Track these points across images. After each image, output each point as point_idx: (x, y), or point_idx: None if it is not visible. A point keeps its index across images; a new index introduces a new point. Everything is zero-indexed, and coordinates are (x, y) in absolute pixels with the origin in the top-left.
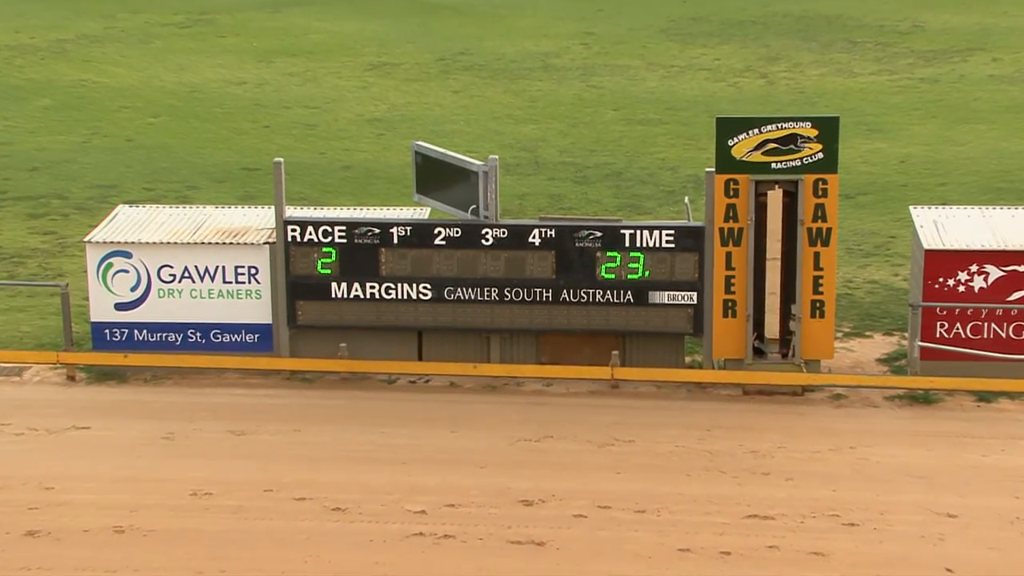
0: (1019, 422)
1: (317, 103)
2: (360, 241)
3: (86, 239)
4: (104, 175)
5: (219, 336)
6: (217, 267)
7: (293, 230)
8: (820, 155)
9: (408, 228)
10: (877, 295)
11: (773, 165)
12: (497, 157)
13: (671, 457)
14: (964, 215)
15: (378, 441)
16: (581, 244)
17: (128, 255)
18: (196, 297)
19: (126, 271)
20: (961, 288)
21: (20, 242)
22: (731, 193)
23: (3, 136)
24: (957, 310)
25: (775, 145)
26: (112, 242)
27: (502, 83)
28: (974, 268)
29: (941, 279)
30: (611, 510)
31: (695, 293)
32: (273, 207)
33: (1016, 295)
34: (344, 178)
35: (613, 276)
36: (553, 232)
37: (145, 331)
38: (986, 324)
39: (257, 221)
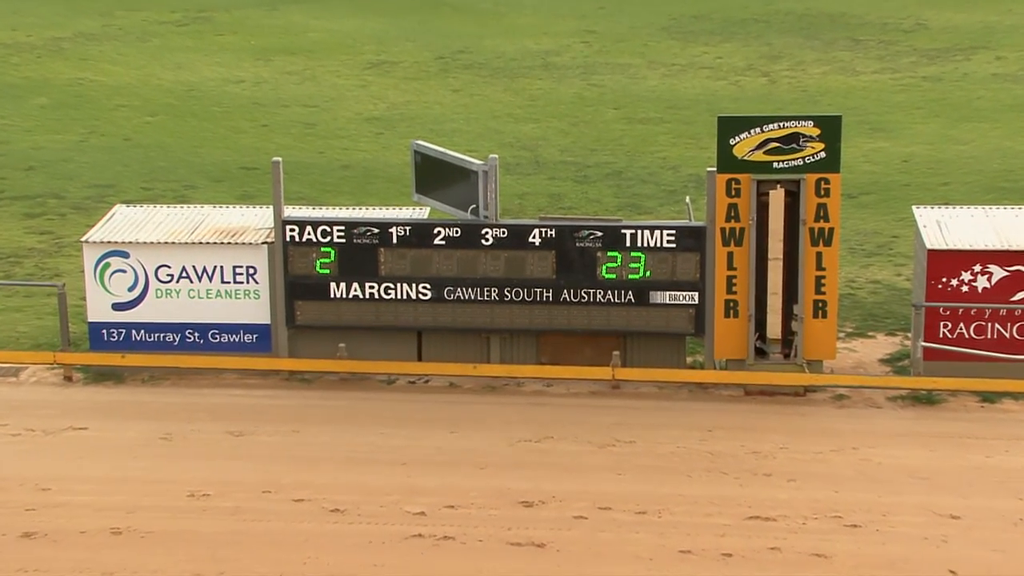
0: (1023, 423)
1: (316, 102)
2: (359, 241)
3: (83, 239)
4: (101, 174)
5: (217, 336)
6: (215, 267)
7: (292, 230)
8: (822, 154)
9: (407, 228)
10: (880, 295)
11: (775, 164)
12: (497, 156)
13: (672, 458)
14: (967, 215)
15: (377, 442)
16: (582, 244)
17: (125, 255)
18: (194, 297)
19: (123, 271)
20: (964, 288)
21: (17, 242)
22: (733, 192)
23: None
24: (960, 310)
25: (777, 144)
26: (109, 242)
27: (502, 81)
28: (977, 268)
29: (944, 279)
30: (612, 511)
31: (696, 293)
32: (271, 207)
33: (1020, 295)
34: (343, 177)
35: (614, 276)
36: (553, 232)
37: (143, 331)
38: (989, 324)
39: (255, 221)
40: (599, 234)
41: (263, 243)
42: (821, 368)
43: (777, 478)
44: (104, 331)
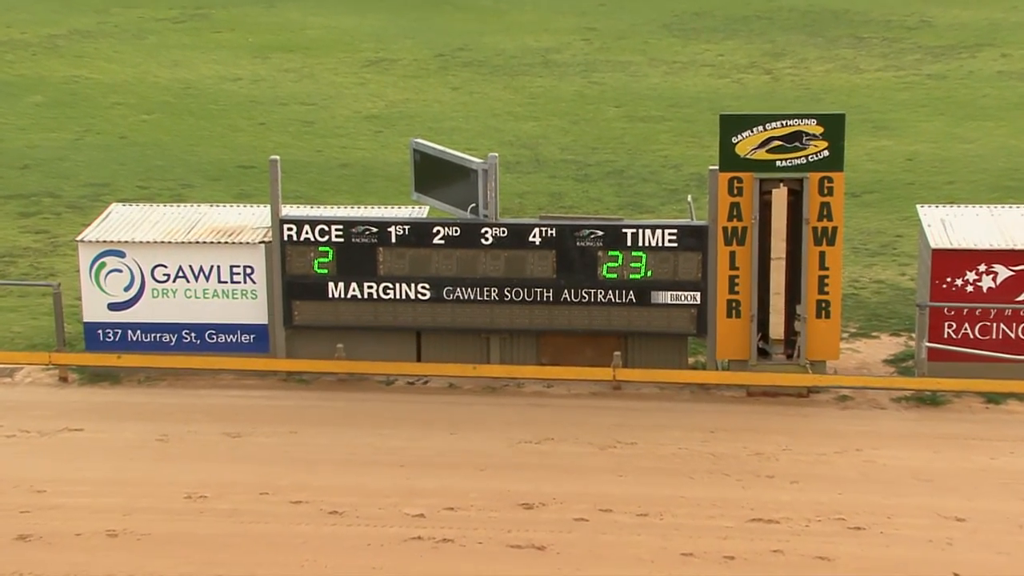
0: None
1: (314, 100)
2: (357, 240)
3: (79, 238)
4: (97, 173)
5: (214, 337)
6: (212, 267)
7: (289, 229)
8: (825, 153)
9: (406, 227)
10: (884, 295)
11: (778, 163)
12: (497, 155)
13: (674, 460)
14: (972, 214)
15: (376, 443)
16: (582, 243)
17: (121, 254)
18: (191, 297)
19: (119, 271)
20: (969, 288)
21: (11, 241)
22: (735, 191)
23: None
24: (965, 310)
25: (780, 143)
26: (105, 241)
27: (502, 79)
28: (982, 268)
29: (949, 279)
30: (613, 513)
31: (698, 293)
32: (269, 206)
33: None
34: (341, 176)
35: (615, 276)
36: (554, 231)
37: (139, 331)
38: (995, 324)
39: (253, 220)
40: (600, 233)
41: (260, 242)
42: (824, 369)
43: (780, 480)
44: (100, 331)
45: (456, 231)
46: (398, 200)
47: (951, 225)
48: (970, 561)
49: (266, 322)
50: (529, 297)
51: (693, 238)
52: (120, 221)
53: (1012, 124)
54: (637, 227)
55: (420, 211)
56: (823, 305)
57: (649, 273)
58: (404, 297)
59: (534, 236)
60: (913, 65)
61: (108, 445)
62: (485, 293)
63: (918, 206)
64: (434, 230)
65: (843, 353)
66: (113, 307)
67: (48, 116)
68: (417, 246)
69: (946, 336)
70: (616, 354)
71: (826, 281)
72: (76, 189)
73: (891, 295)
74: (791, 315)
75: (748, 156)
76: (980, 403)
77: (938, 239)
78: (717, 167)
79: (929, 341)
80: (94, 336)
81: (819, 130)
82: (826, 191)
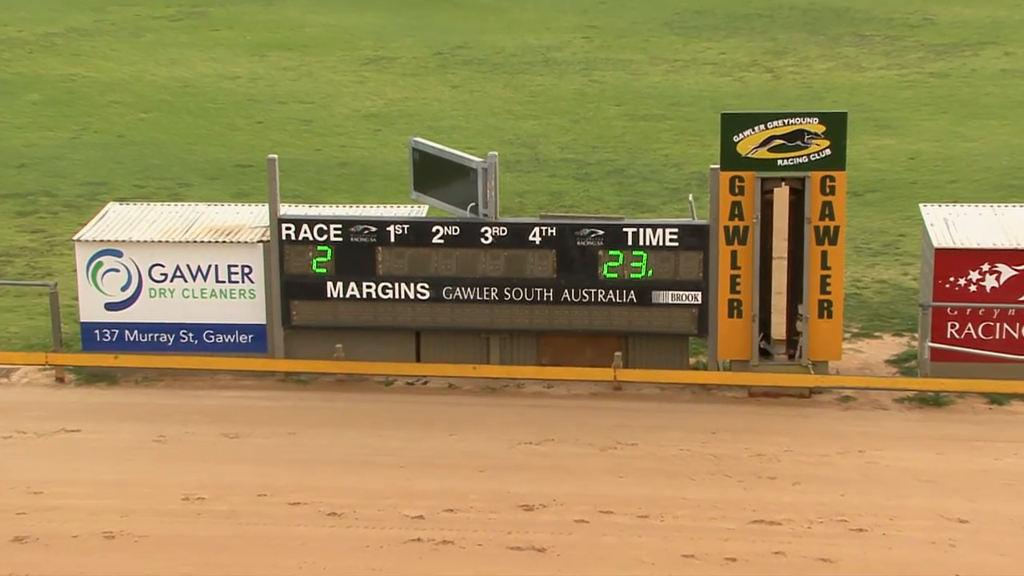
0: None
1: (312, 98)
2: (356, 239)
3: (75, 237)
4: (94, 172)
5: (212, 337)
6: (210, 266)
7: (288, 228)
8: (827, 152)
9: (405, 226)
10: (886, 295)
11: (779, 162)
12: (496, 153)
13: (675, 461)
14: (975, 213)
15: (375, 444)
16: (583, 243)
17: (119, 254)
18: (188, 297)
19: (116, 270)
20: (972, 288)
21: (8, 240)
22: (736, 190)
23: None
24: (968, 310)
25: (781, 141)
26: (102, 240)
27: (502, 78)
28: (986, 267)
29: (952, 278)
30: (613, 515)
31: (699, 293)
32: (267, 205)
33: None
34: (340, 175)
35: (615, 275)
36: (554, 230)
37: (136, 332)
38: (998, 324)
39: (251, 219)
40: (600, 233)
41: (259, 242)
42: (826, 369)
43: (782, 481)
44: (97, 331)
45: (455, 230)
46: (397, 199)
47: (954, 224)
48: (973, 563)
49: (264, 322)
50: (529, 297)
51: (694, 237)
52: (117, 220)
53: (1015, 123)
54: (638, 226)
55: (419, 210)
56: (825, 305)
57: (650, 273)
58: (403, 297)
59: (534, 235)
60: (916, 63)
61: (105, 446)
62: (485, 293)
63: (921, 205)
64: (433, 229)
65: (845, 353)
66: (110, 307)
67: (45, 115)
68: (416, 245)
69: (949, 336)
70: (617, 354)
71: (828, 281)
72: (73, 188)
73: (894, 295)
74: (793, 315)
75: (750, 155)
76: (983, 404)
77: (941, 238)
78: (718, 166)
79: (932, 341)
80: (91, 336)
81: (821, 129)
82: (828, 190)
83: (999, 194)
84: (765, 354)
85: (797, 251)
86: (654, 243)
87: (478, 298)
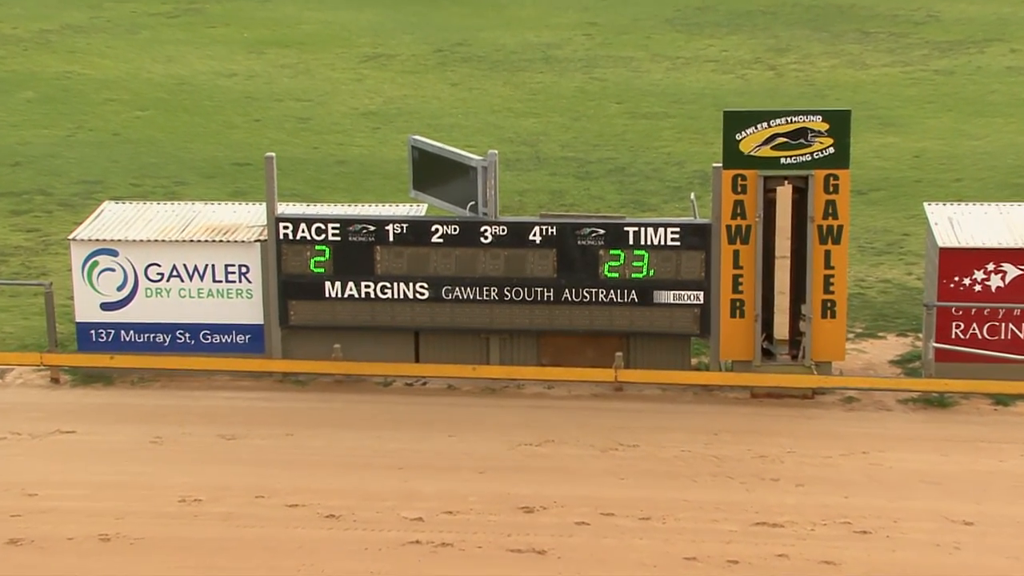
0: None
1: (310, 96)
2: (355, 239)
3: (71, 236)
4: (89, 170)
5: (209, 337)
6: (206, 266)
7: (285, 227)
8: (831, 150)
9: (404, 225)
10: (890, 295)
11: (782, 160)
12: (496, 152)
13: (677, 462)
14: (980, 212)
15: (373, 446)
16: (583, 242)
17: (114, 253)
18: (185, 297)
19: (112, 270)
20: (977, 287)
21: (2, 239)
22: (739, 189)
23: None
24: (973, 310)
25: (784, 139)
26: (98, 240)
27: (502, 75)
28: (991, 267)
29: (956, 278)
30: (614, 517)
31: (701, 292)
32: (264, 204)
33: None
34: (338, 174)
35: (616, 275)
36: (554, 230)
37: (132, 332)
38: (1003, 324)
39: (248, 218)
40: (601, 232)
41: (256, 241)
42: (830, 370)
43: (785, 483)
44: (92, 332)
45: (455, 230)
46: (396, 198)
47: (959, 223)
48: (978, 565)
49: (262, 322)
50: (529, 297)
51: (696, 237)
52: (113, 219)
53: (1021, 120)
54: (639, 225)
55: (418, 209)
56: (828, 305)
57: (651, 272)
58: (402, 297)
59: (534, 235)
60: (920, 60)
61: (101, 447)
62: (484, 293)
63: (925, 204)
64: (433, 228)
65: (849, 354)
66: (106, 307)
67: (40, 112)
68: (415, 245)
69: (954, 336)
70: (618, 355)
71: (831, 280)
72: (68, 187)
73: (898, 295)
74: (796, 315)
75: (752, 153)
76: (988, 404)
77: (945, 237)
78: (721, 164)
79: (936, 341)
80: (86, 336)
81: (824, 127)
82: (831, 189)
83: (1004, 193)
84: (768, 354)
85: (800, 250)
86: (655, 242)
87: (478, 298)
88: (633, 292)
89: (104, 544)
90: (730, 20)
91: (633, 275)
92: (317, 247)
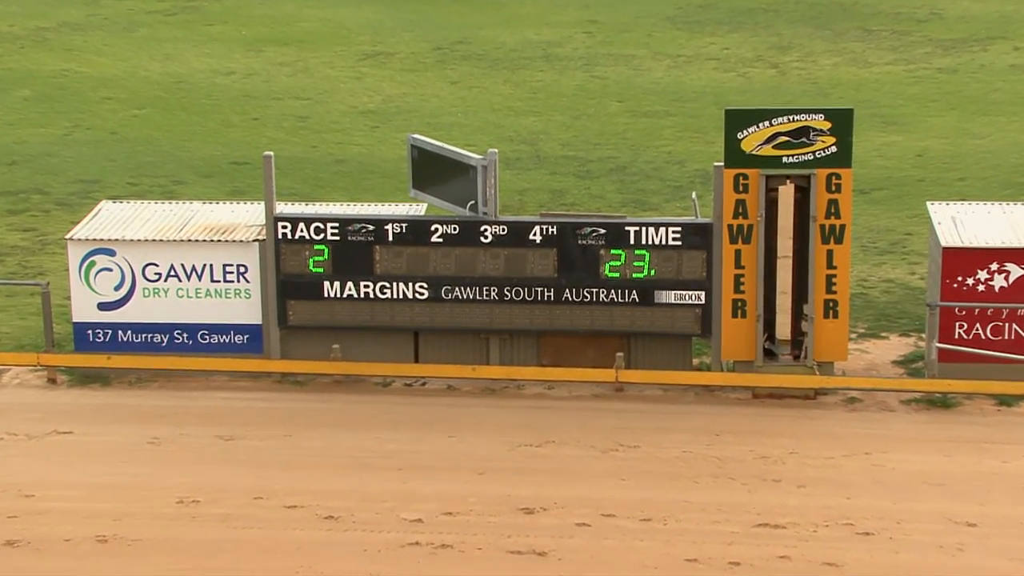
0: None
1: (309, 94)
2: (354, 238)
3: (68, 236)
4: (86, 169)
5: (207, 337)
6: (204, 265)
7: (284, 227)
8: (833, 148)
9: (404, 225)
10: (893, 294)
11: (784, 159)
12: (496, 151)
13: (678, 463)
14: (984, 211)
15: (372, 447)
16: (584, 241)
17: (112, 253)
18: (183, 297)
19: (109, 269)
20: (981, 287)
21: None
22: (740, 188)
23: None
24: (977, 310)
25: (786, 138)
26: (95, 239)
27: (502, 73)
28: (994, 266)
29: (960, 278)
30: (615, 518)
31: (703, 292)
32: (263, 203)
33: None
34: (337, 173)
35: (617, 275)
36: (555, 229)
37: (129, 332)
38: (1007, 325)
39: (246, 217)
40: (602, 231)
41: (254, 241)
42: (832, 370)
43: (787, 484)
44: (89, 332)
45: (455, 229)
46: (395, 197)
47: (962, 223)
48: (982, 567)
49: (260, 322)
50: (529, 297)
51: (697, 236)
52: (110, 219)
53: None
54: (640, 225)
55: (418, 209)
56: (831, 305)
57: (652, 272)
58: (401, 297)
59: (535, 234)
60: (923, 58)
61: (98, 448)
62: (484, 292)
63: (928, 203)
64: (432, 228)
65: (851, 354)
66: (103, 307)
67: (36, 111)
68: (415, 244)
69: (957, 336)
70: (619, 355)
71: (834, 280)
72: (65, 186)
73: (901, 294)
74: (798, 315)
75: (754, 152)
76: (992, 405)
77: (949, 237)
78: (722, 163)
79: (939, 342)
80: (83, 337)
81: (827, 125)
82: (834, 188)
83: (1008, 192)
84: (770, 355)
85: (802, 250)
86: (657, 242)
87: (477, 298)
88: (634, 292)
89: (101, 545)
90: (732, 18)
91: (634, 275)
92: (316, 247)
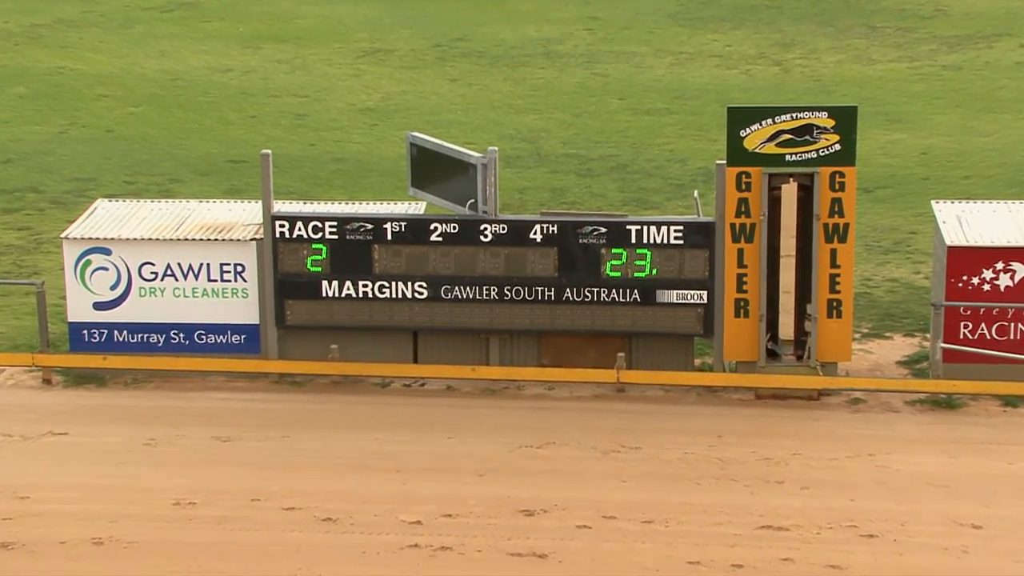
0: None
1: (307, 92)
2: (352, 237)
3: (63, 235)
4: (82, 167)
5: (203, 337)
6: (201, 265)
7: (281, 226)
8: (837, 147)
9: (403, 224)
10: (897, 294)
11: (787, 157)
12: (496, 149)
13: (680, 465)
14: (989, 210)
15: (371, 448)
16: (585, 240)
17: (107, 252)
18: (179, 296)
19: (105, 269)
20: (986, 287)
21: None
22: (743, 187)
23: None
24: (982, 310)
25: (790, 136)
26: (91, 238)
27: (502, 71)
28: (1000, 266)
29: (965, 277)
30: (616, 520)
31: (705, 292)
32: (260, 201)
33: None
34: (335, 171)
35: (618, 274)
36: (555, 228)
37: (125, 332)
38: (1012, 324)
39: (243, 216)
40: (603, 230)
41: (252, 240)
42: (836, 371)
43: (790, 486)
44: (85, 332)
45: (454, 228)
46: (394, 196)
47: (967, 221)
48: (987, 570)
49: (257, 322)
50: (530, 296)
51: (700, 235)
52: (106, 217)
53: None
54: (642, 224)
55: (417, 207)
56: (834, 304)
57: (654, 271)
58: (400, 296)
59: (535, 233)
60: (928, 56)
61: (94, 450)
62: (484, 292)
63: (933, 202)
64: (431, 227)
65: (855, 354)
66: (99, 306)
67: (31, 108)
68: (414, 243)
69: (962, 336)
70: (620, 355)
71: (837, 279)
72: (60, 184)
73: (905, 294)
74: (801, 315)
75: (757, 150)
76: (997, 406)
77: (954, 236)
78: (724, 161)
79: (944, 342)
80: (79, 337)
81: (830, 123)
82: (837, 186)
83: (1013, 190)
84: (772, 355)
85: (806, 249)
86: (658, 241)
87: (477, 297)
88: (635, 291)
89: (97, 548)
90: (734, 14)
91: (635, 274)
92: (314, 246)
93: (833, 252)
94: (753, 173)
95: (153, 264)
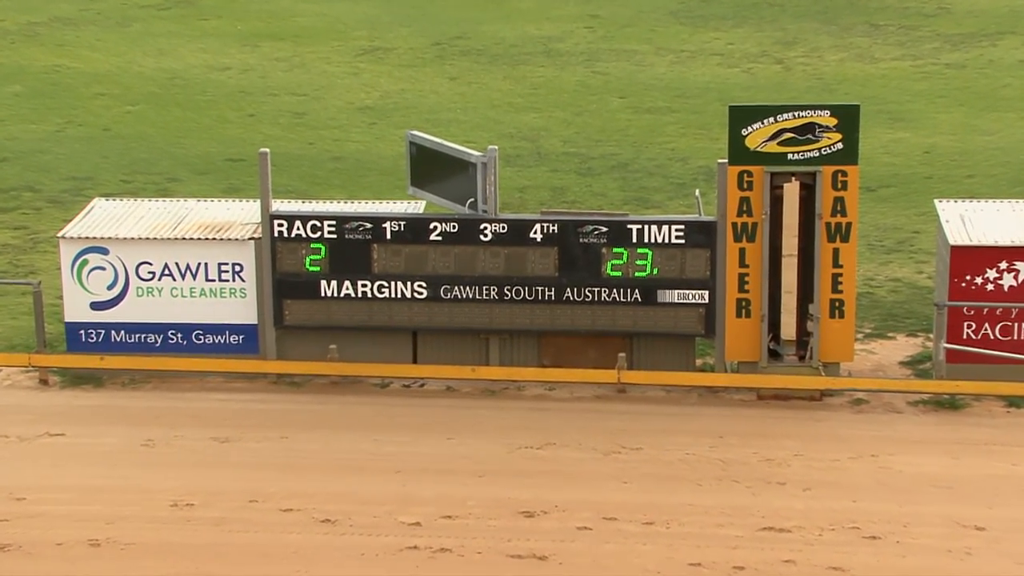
0: None
1: (305, 90)
2: (351, 237)
3: (60, 234)
4: (79, 166)
5: (201, 337)
6: (199, 264)
7: (280, 225)
8: (839, 145)
9: (402, 223)
10: (900, 294)
11: (789, 156)
12: (496, 147)
13: (681, 466)
14: (993, 209)
15: (370, 449)
16: (585, 240)
17: (105, 251)
18: (177, 296)
19: (102, 268)
20: (990, 286)
21: None
22: (745, 186)
23: None
24: (985, 310)
25: (791, 135)
26: (88, 237)
27: (502, 69)
28: (1003, 265)
29: (968, 277)
30: (617, 522)
31: (706, 292)
32: (259, 200)
33: None
34: (334, 170)
35: (619, 274)
36: (556, 227)
37: (123, 332)
38: (1016, 325)
39: (242, 215)
40: (604, 229)
41: (250, 239)
42: (838, 371)
43: (792, 487)
44: (82, 332)
45: (454, 227)
46: (393, 195)
47: (970, 221)
48: (990, 572)
49: (255, 322)
50: (530, 296)
51: (701, 234)
52: (103, 217)
53: None
54: (643, 223)
55: (416, 206)
56: (837, 304)
57: (655, 271)
58: (400, 296)
59: (535, 232)
60: (931, 54)
61: (91, 451)
62: (484, 292)
63: (936, 201)
64: (431, 226)
65: (858, 354)
66: (96, 306)
67: (28, 107)
68: (413, 243)
69: (965, 337)
70: (621, 355)
71: (840, 279)
72: (57, 183)
73: (908, 294)
74: (803, 315)
75: (758, 149)
76: (1001, 407)
77: (957, 235)
78: (726, 160)
79: (947, 342)
80: (76, 337)
81: (833, 122)
82: (840, 185)
83: (1017, 190)
84: (774, 355)
85: (808, 248)
86: (659, 240)
87: (477, 297)
88: (636, 291)
89: (94, 549)
90: (736, 12)
91: (636, 274)
92: (312, 245)
93: (835, 252)
94: (755, 172)
95: (151, 264)
